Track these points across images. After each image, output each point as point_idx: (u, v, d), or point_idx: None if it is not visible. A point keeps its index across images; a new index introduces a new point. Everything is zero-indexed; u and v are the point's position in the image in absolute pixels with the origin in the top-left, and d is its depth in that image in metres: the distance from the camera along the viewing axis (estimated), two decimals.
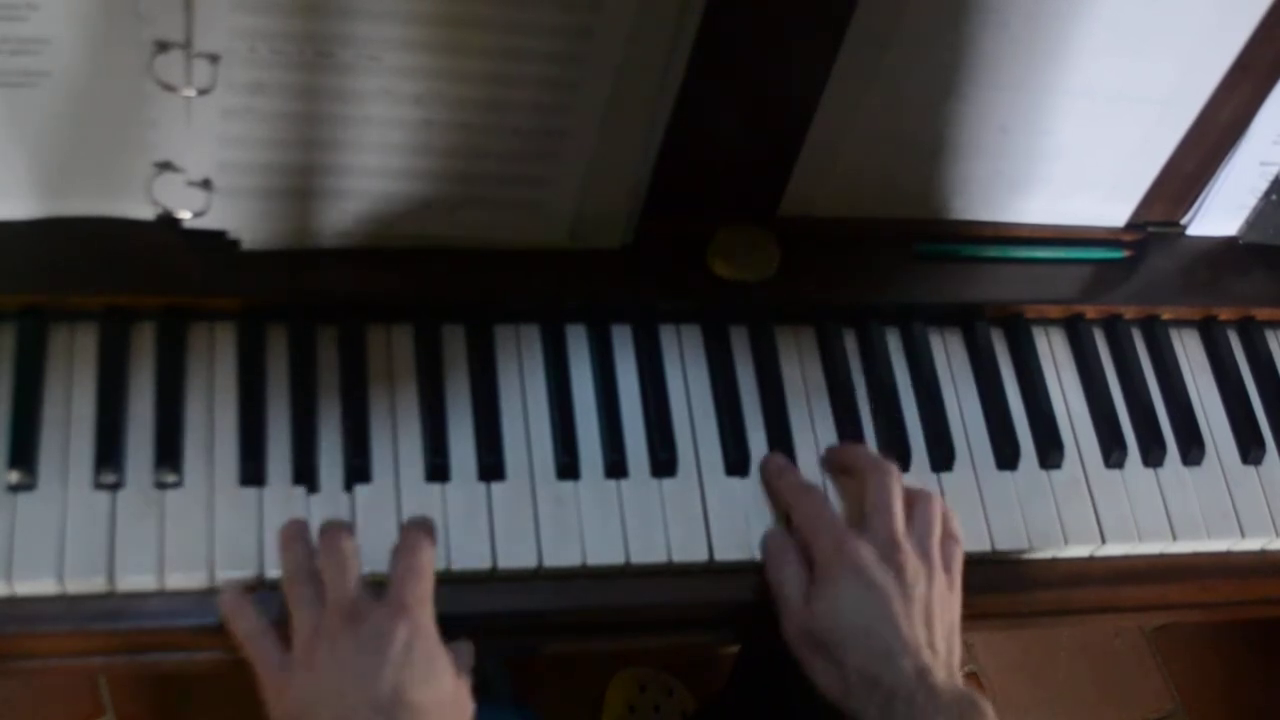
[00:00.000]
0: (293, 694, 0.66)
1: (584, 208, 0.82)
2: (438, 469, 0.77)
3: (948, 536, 0.78)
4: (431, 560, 0.70)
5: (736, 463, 0.81)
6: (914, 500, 0.78)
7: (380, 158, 0.76)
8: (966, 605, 0.76)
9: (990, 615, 0.84)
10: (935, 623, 0.73)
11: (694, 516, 0.79)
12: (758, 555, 0.78)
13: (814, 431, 0.84)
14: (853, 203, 0.88)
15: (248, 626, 0.69)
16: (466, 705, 0.70)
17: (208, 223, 0.77)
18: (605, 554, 0.77)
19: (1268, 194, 0.94)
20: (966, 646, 0.74)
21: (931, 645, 0.72)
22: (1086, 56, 0.81)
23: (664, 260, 0.85)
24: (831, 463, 0.83)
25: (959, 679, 0.72)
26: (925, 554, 0.75)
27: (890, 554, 0.74)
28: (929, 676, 0.70)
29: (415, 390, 0.79)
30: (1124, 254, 0.94)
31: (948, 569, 0.76)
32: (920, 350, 0.88)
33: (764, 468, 0.81)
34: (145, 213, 0.77)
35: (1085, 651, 1.65)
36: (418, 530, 0.72)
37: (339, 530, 0.70)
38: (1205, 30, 0.81)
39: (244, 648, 0.69)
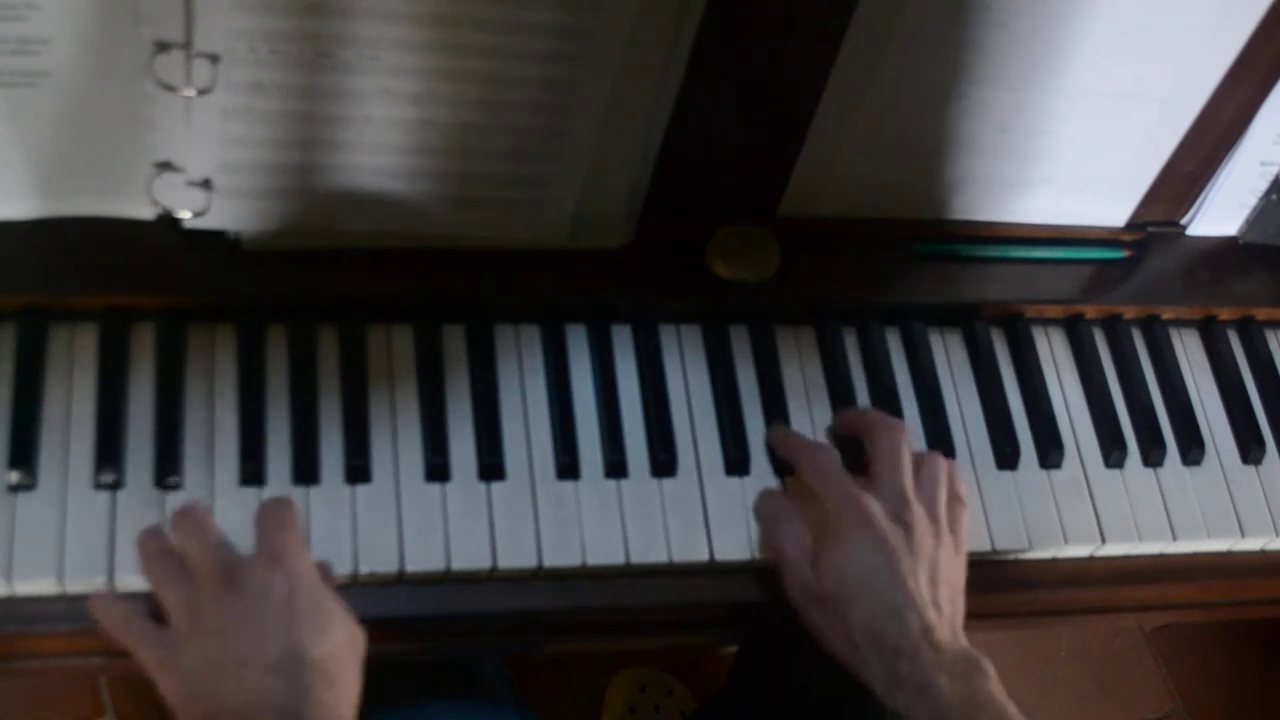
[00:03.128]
0: (185, 670, 0.64)
1: (584, 208, 0.82)
2: (438, 469, 0.77)
3: (953, 498, 0.78)
4: (296, 512, 0.69)
5: (736, 463, 0.81)
6: (920, 460, 0.78)
7: (380, 158, 0.76)
8: (967, 606, 0.76)
9: (990, 615, 0.84)
10: (940, 582, 0.73)
11: (694, 516, 0.79)
12: (758, 555, 0.78)
13: (814, 432, 0.84)
14: (853, 203, 0.88)
15: (118, 613, 0.67)
16: (359, 638, 0.68)
17: (208, 223, 0.77)
18: (605, 554, 0.77)
19: (1268, 194, 0.94)
20: None
21: (936, 604, 0.72)
22: (1086, 56, 0.81)
23: (664, 260, 0.85)
24: (839, 429, 0.82)
25: (962, 639, 0.72)
26: (933, 513, 0.75)
27: (900, 511, 0.74)
28: (933, 634, 0.70)
29: (415, 390, 0.79)
30: (1124, 254, 0.94)
31: (953, 530, 0.76)
32: (920, 350, 0.88)
33: (770, 436, 0.81)
34: (145, 213, 0.77)
35: (1085, 651, 1.65)
36: (275, 499, 0.71)
37: (187, 504, 0.69)
38: (1205, 30, 0.81)
39: (121, 637, 0.67)
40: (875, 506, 0.74)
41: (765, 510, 0.78)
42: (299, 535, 0.68)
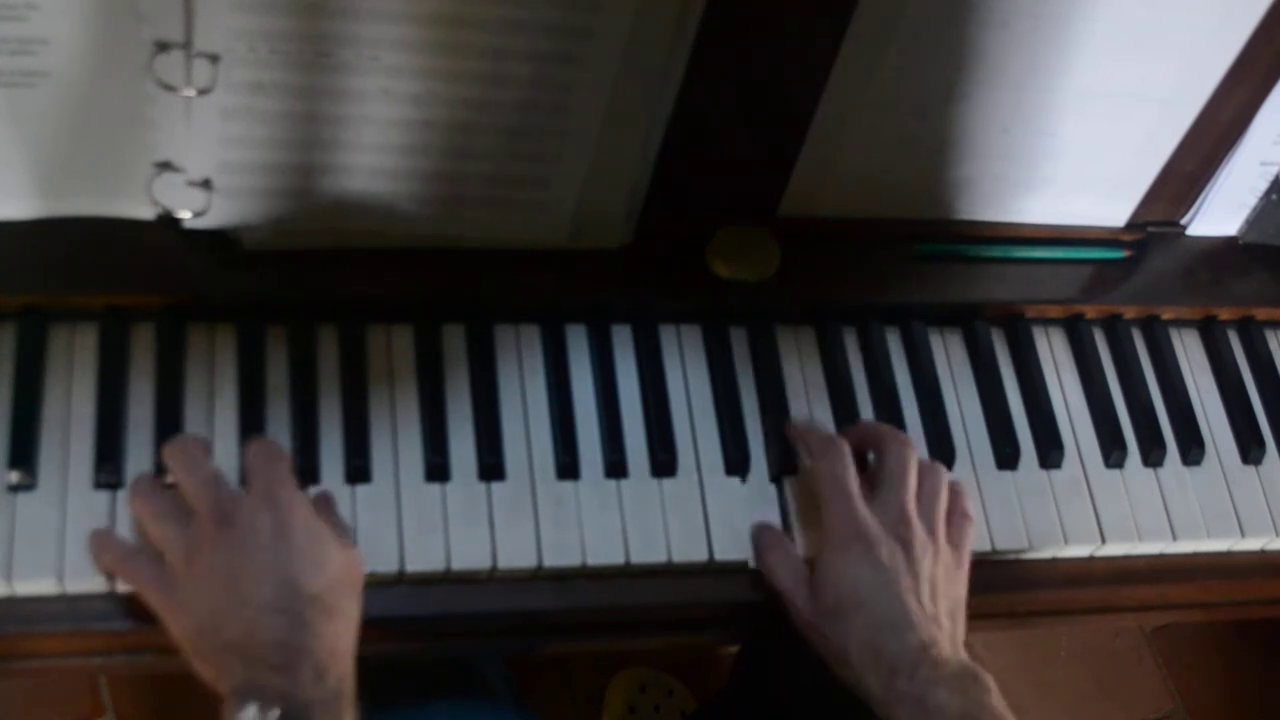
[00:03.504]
0: (188, 607, 0.65)
1: (584, 208, 0.82)
2: (438, 469, 0.77)
3: (959, 514, 0.78)
4: (282, 449, 0.70)
5: (736, 463, 0.81)
6: (922, 473, 0.78)
7: (380, 158, 0.76)
8: (967, 606, 0.76)
9: (990, 615, 0.84)
10: (940, 598, 0.73)
11: (694, 516, 0.79)
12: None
13: None
14: (853, 203, 0.88)
15: (116, 552, 0.69)
16: (357, 565, 0.69)
17: (208, 223, 0.77)
18: (605, 554, 0.77)
19: (1268, 194, 0.94)
20: (967, 647, 0.74)
21: (936, 620, 0.72)
22: (1087, 56, 0.81)
23: (664, 260, 0.85)
24: (849, 438, 0.82)
25: (962, 653, 0.72)
26: (931, 529, 0.75)
27: (899, 528, 0.74)
28: (932, 649, 0.70)
29: (415, 390, 0.79)
30: (1124, 254, 0.94)
31: (956, 545, 0.76)
32: (920, 350, 0.88)
33: (788, 430, 0.81)
34: (145, 213, 0.77)
35: (1085, 651, 1.65)
36: (262, 439, 0.72)
37: (180, 435, 0.70)
38: (1205, 30, 0.81)
39: (121, 574, 0.68)
40: (874, 525, 0.74)
41: (756, 541, 0.78)
42: (288, 471, 0.69)
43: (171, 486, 0.70)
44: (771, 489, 0.81)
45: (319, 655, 0.64)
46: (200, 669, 0.65)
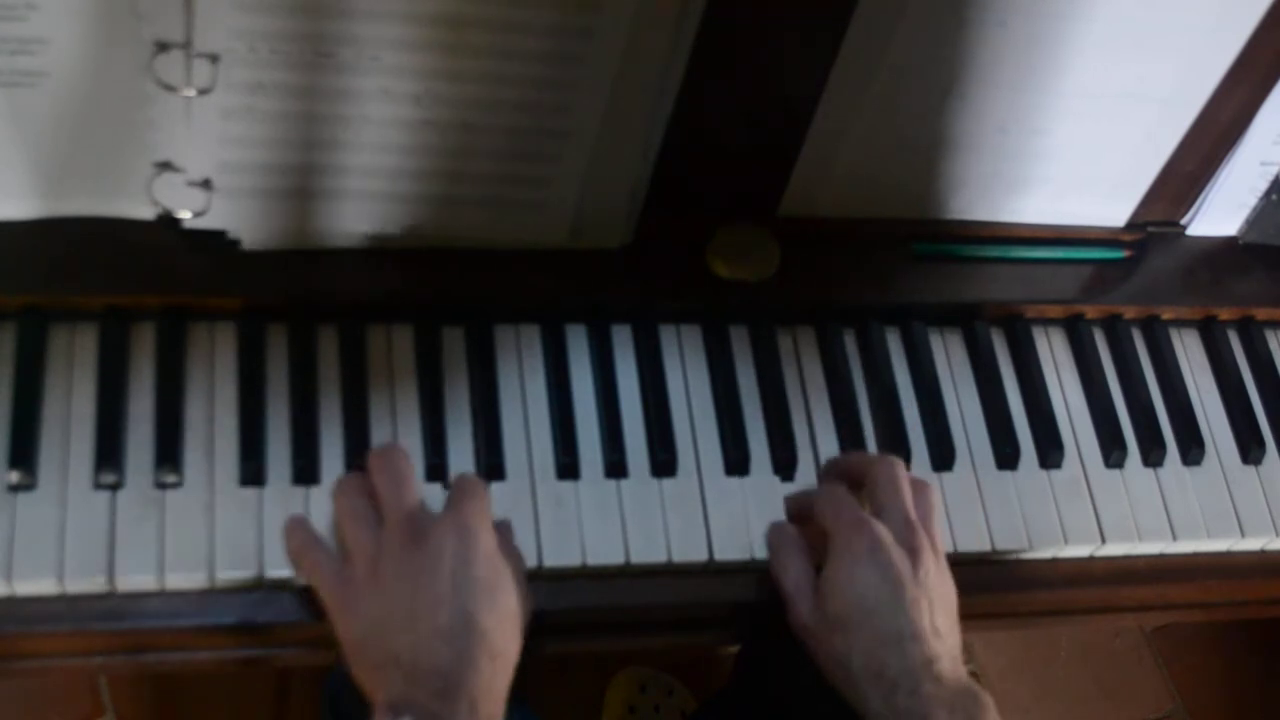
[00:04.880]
0: (362, 612, 0.66)
1: (584, 208, 0.82)
2: (437, 469, 0.77)
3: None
4: (486, 488, 0.70)
5: (736, 463, 0.81)
6: (914, 486, 0.77)
7: (380, 158, 0.76)
8: (966, 605, 0.76)
9: (991, 615, 0.84)
10: (939, 608, 0.73)
11: (694, 516, 0.79)
12: (758, 555, 0.78)
13: (814, 431, 0.84)
14: (853, 203, 0.88)
15: (303, 538, 0.69)
16: (529, 607, 0.70)
17: (208, 223, 0.77)
18: (605, 554, 0.77)
19: (1268, 194, 0.94)
20: (966, 646, 0.74)
21: (938, 632, 0.72)
22: (1086, 56, 0.81)
23: (664, 260, 0.85)
24: (833, 475, 0.81)
25: (962, 669, 0.72)
26: (932, 539, 0.75)
27: (906, 537, 0.73)
28: (934, 666, 0.70)
29: (415, 390, 0.79)
30: (1124, 254, 0.94)
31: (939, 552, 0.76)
32: (920, 350, 0.88)
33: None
34: (145, 213, 0.77)
35: (1085, 651, 1.65)
36: (467, 474, 0.73)
37: (391, 446, 0.70)
38: (1205, 30, 0.81)
39: (300, 562, 0.69)
40: (883, 531, 0.73)
41: (771, 540, 0.78)
42: (485, 505, 0.69)
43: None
44: (771, 489, 0.81)
45: (476, 692, 0.63)
46: (357, 673, 0.66)
